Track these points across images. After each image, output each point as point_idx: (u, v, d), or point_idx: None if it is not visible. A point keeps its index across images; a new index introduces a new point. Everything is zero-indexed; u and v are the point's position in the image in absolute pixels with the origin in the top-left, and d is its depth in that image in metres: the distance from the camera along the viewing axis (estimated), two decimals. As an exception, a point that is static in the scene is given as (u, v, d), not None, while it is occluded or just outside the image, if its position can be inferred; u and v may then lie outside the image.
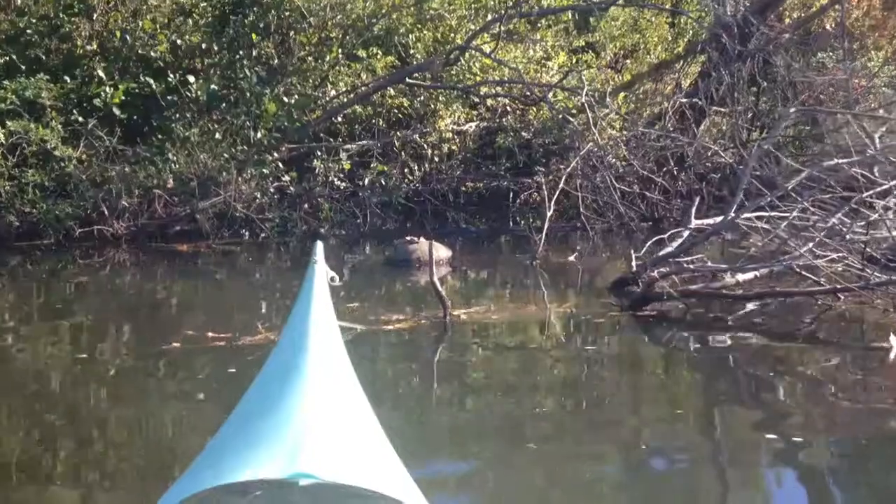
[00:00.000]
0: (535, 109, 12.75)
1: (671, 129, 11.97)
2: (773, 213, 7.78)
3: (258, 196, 11.15)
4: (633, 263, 8.04)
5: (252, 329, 6.70)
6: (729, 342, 6.58)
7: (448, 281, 8.67)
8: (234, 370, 5.78)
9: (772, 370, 6.11)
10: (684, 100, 11.85)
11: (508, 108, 13.03)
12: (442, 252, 9.21)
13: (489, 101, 12.89)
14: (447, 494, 4.11)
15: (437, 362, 6.28)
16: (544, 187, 10.03)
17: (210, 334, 6.58)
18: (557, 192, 9.99)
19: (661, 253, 8.03)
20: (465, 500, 4.22)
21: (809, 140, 13.21)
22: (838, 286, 7.01)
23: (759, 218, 7.97)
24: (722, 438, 5.08)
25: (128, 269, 9.84)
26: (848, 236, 7.43)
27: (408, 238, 9.38)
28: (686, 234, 8.17)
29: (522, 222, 11.91)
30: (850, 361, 6.23)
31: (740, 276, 7.28)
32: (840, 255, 7.22)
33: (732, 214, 7.93)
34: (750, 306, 7.23)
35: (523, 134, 12.57)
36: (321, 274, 2.82)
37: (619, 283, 7.99)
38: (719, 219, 8.29)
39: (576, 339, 6.86)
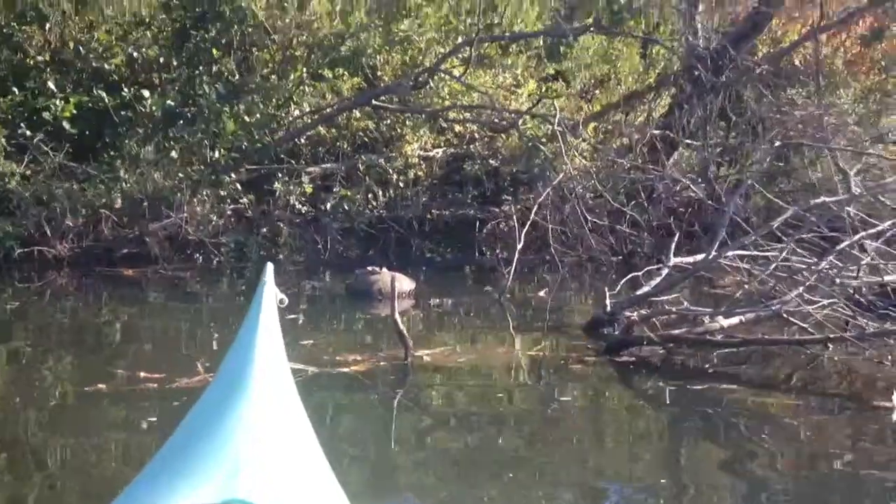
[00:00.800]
0: (504, 137, 11.99)
1: (641, 161, 11.25)
2: (757, 253, 7.05)
3: (213, 219, 10.29)
4: (608, 302, 7.28)
5: (191, 369, 5.84)
6: (710, 392, 5.82)
7: (411, 314, 7.86)
8: (153, 419, 4.96)
9: (753, 425, 5.34)
10: (656, 131, 11.13)
11: (476, 134, 12.26)
12: (405, 284, 8.40)
13: (457, 128, 12.12)
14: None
15: (395, 409, 5.46)
16: (514, 218, 9.22)
17: (142, 374, 5.71)
18: (528, 224, 9.18)
19: (639, 293, 7.28)
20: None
21: (780, 176, 12.55)
22: (831, 336, 6.28)
23: (740, 258, 7.26)
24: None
25: (68, 295, 8.92)
26: (838, 280, 6.72)
27: (369, 268, 8.55)
28: (664, 272, 7.41)
29: (489, 253, 11.16)
30: (847, 421, 5.49)
31: (724, 321, 6.52)
32: (830, 300, 6.51)
33: (714, 253, 7.19)
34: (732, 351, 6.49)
35: (491, 161, 11.81)
36: (270, 295, 2.64)
37: (593, 324, 7.21)
38: (699, 257, 7.55)
39: (547, 387, 6.05)
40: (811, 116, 12.71)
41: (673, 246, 7.91)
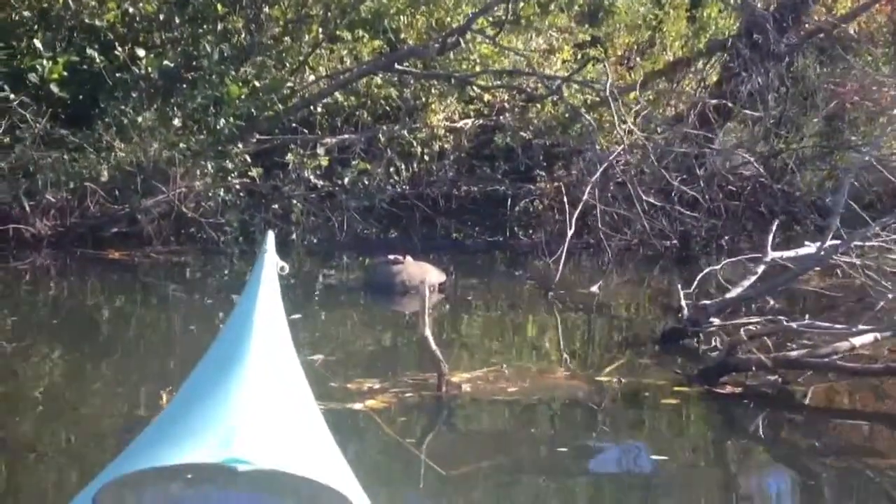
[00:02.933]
0: (539, 106, 9.98)
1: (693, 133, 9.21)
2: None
3: (216, 194, 8.34)
4: (682, 305, 5.32)
5: (153, 402, 3.93)
6: (854, 437, 3.88)
7: (442, 314, 5.91)
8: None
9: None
10: (712, 101, 9.05)
11: (507, 104, 10.24)
12: (433, 275, 6.45)
13: (486, 96, 10.10)
14: None
15: (422, 472, 3.52)
16: (564, 197, 7.19)
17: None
18: (578, 205, 7.15)
19: (730, 295, 5.29)
20: None
21: (838, 151, 10.49)
22: None
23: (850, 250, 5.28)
24: None
25: (48, 280, 7.00)
26: None
27: (391, 257, 6.56)
28: (759, 270, 5.41)
29: (521, 233, 9.20)
30: None
31: (856, 340, 4.53)
32: None
33: (828, 246, 5.19)
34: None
35: (522, 134, 9.80)
36: (270, 264, 2.37)
37: (671, 335, 5.25)
38: (806, 250, 5.56)
39: (632, 433, 4.09)
40: (868, 87, 10.73)
41: (771, 235, 5.87)
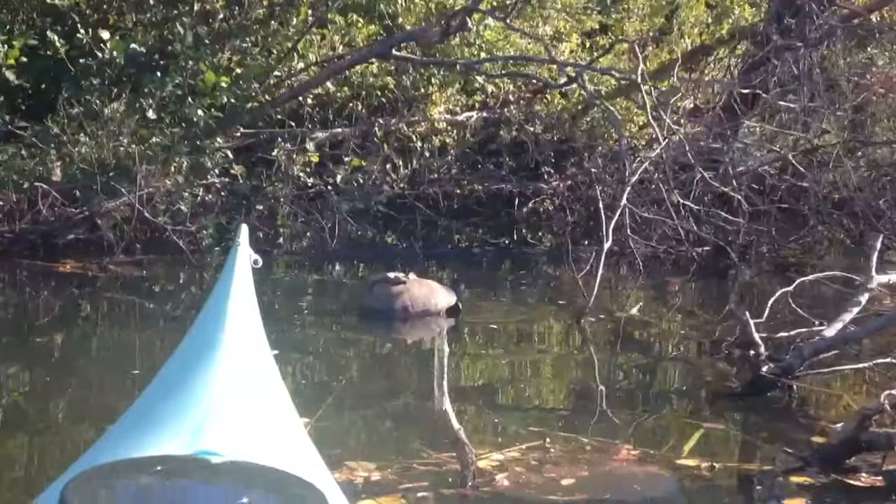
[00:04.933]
0: (548, 98, 8.49)
1: (719, 127, 7.72)
2: None
3: (199, 193, 6.83)
4: (756, 340, 3.85)
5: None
6: None
7: (453, 352, 4.39)
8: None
9: None
10: (743, 90, 7.55)
11: (511, 96, 8.74)
12: (441, 297, 4.94)
13: (490, 88, 8.59)
14: None
15: None
16: (576, 197, 5.67)
17: None
18: (620, 210, 5.61)
19: (828, 333, 3.81)
20: None
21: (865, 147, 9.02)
22: None
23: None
24: None
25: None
26: None
27: (391, 275, 5.03)
28: (863, 298, 3.93)
29: (529, 236, 7.75)
30: None
31: None
32: None
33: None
34: None
35: (529, 128, 8.31)
36: (244, 256, 2.17)
37: (753, 388, 3.77)
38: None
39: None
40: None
41: (875, 252, 4.38)
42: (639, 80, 6.36)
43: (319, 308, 5.45)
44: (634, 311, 5.02)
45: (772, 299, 4.32)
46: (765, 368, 3.76)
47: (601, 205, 5.35)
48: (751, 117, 8.06)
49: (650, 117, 6.36)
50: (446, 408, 2.74)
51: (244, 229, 2.28)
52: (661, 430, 3.53)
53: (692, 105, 8.57)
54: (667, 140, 6.24)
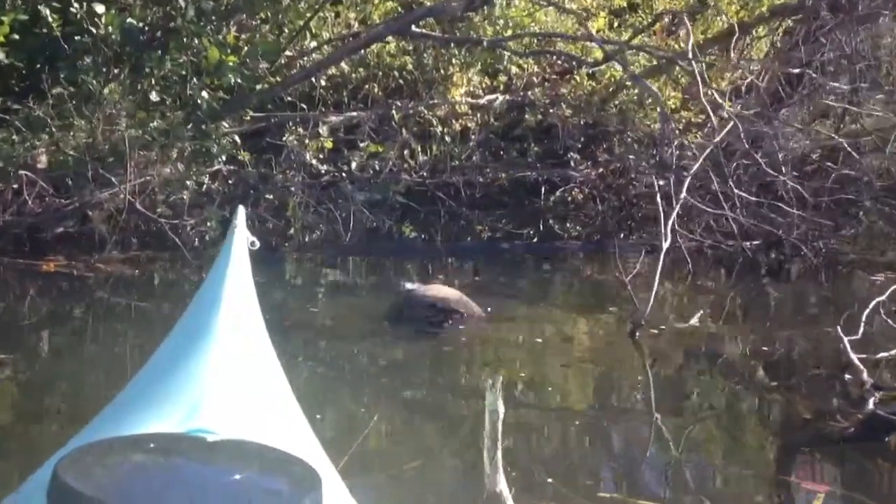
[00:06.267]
0: (577, 79, 7.59)
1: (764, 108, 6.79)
2: None
3: (204, 181, 5.99)
4: (857, 364, 2.98)
5: None
6: None
7: (492, 364, 3.52)
8: None
9: None
10: (795, 70, 6.61)
11: (536, 78, 7.83)
12: (473, 307, 4.06)
13: (514, 69, 7.69)
14: None
15: None
16: (657, 195, 4.74)
17: None
18: (681, 201, 4.69)
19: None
20: None
21: None
22: None
23: None
24: None
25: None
26: None
27: (408, 287, 4.09)
28: None
29: (557, 227, 6.90)
30: None
31: None
32: None
33: None
34: None
35: (557, 111, 7.42)
36: (241, 238, 2.10)
37: (869, 428, 2.90)
38: None
39: None
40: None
41: None
42: (689, 54, 5.41)
43: (339, 317, 4.54)
44: (694, 320, 4.13)
45: (866, 311, 3.43)
46: (871, 401, 2.88)
47: (658, 198, 4.45)
48: (796, 100, 7.14)
49: (702, 96, 5.43)
50: (501, 489, 1.88)
51: (241, 211, 2.21)
52: (753, 489, 2.65)
53: (731, 87, 7.67)
54: (715, 121, 5.30)
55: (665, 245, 4.24)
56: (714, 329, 4.14)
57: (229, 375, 1.78)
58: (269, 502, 1.35)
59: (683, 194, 4.69)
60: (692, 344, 4.01)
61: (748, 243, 5.84)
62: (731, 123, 5.72)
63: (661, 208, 4.41)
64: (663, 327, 4.10)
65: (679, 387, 3.65)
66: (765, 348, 3.94)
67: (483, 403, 1.92)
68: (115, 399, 1.94)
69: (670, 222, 4.38)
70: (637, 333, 3.99)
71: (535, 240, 6.78)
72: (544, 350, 3.98)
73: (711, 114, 5.46)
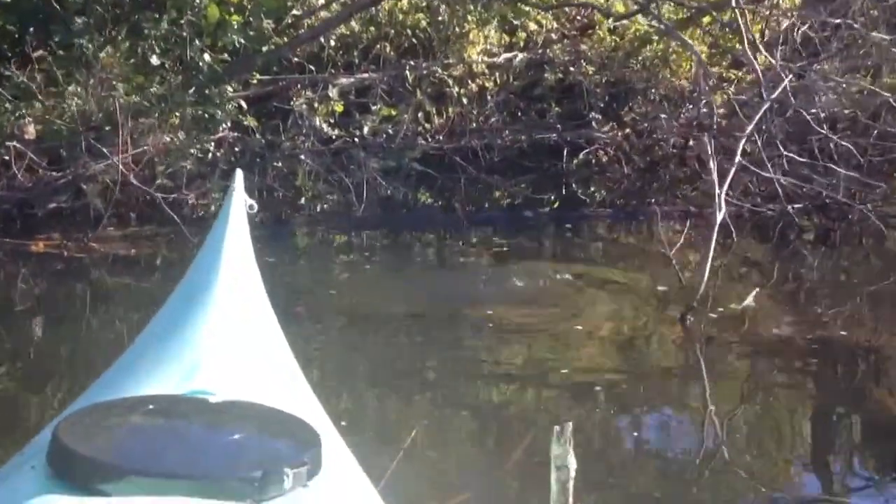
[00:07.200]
0: (599, 33, 6.95)
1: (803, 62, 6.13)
2: None
3: (209, 150, 5.45)
4: None
5: None
6: None
7: (527, 378, 2.96)
8: None
9: None
10: (836, 20, 5.95)
11: (554, 34, 7.20)
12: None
13: (532, 25, 7.05)
14: None
15: None
16: (709, 155, 4.10)
17: None
18: (735, 169, 4.07)
19: None
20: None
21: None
22: None
23: None
24: None
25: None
26: None
27: None
28: None
29: (581, 192, 6.34)
30: None
31: None
32: None
33: None
34: None
35: (575, 69, 6.80)
36: (239, 202, 2.04)
37: None
38: None
39: None
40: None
41: None
42: (733, 2, 4.76)
43: (359, 303, 3.95)
44: (749, 300, 3.56)
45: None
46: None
47: (712, 161, 3.85)
48: (832, 54, 6.49)
49: (746, 47, 4.79)
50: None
51: (239, 173, 2.16)
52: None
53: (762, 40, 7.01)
54: (761, 75, 4.67)
55: (720, 216, 3.65)
56: (769, 309, 3.57)
57: (228, 337, 1.75)
58: (268, 462, 1.30)
59: (738, 158, 4.10)
60: (750, 328, 3.43)
61: (791, 207, 5.25)
62: (786, 77, 5.05)
63: (714, 172, 3.80)
64: (721, 310, 3.52)
65: (750, 389, 3.04)
66: (830, 332, 3.34)
67: (549, 455, 1.39)
68: (115, 363, 1.90)
69: (724, 188, 3.79)
70: (689, 318, 3.42)
71: (556, 205, 6.23)
72: (585, 336, 3.41)
73: (757, 67, 4.82)
